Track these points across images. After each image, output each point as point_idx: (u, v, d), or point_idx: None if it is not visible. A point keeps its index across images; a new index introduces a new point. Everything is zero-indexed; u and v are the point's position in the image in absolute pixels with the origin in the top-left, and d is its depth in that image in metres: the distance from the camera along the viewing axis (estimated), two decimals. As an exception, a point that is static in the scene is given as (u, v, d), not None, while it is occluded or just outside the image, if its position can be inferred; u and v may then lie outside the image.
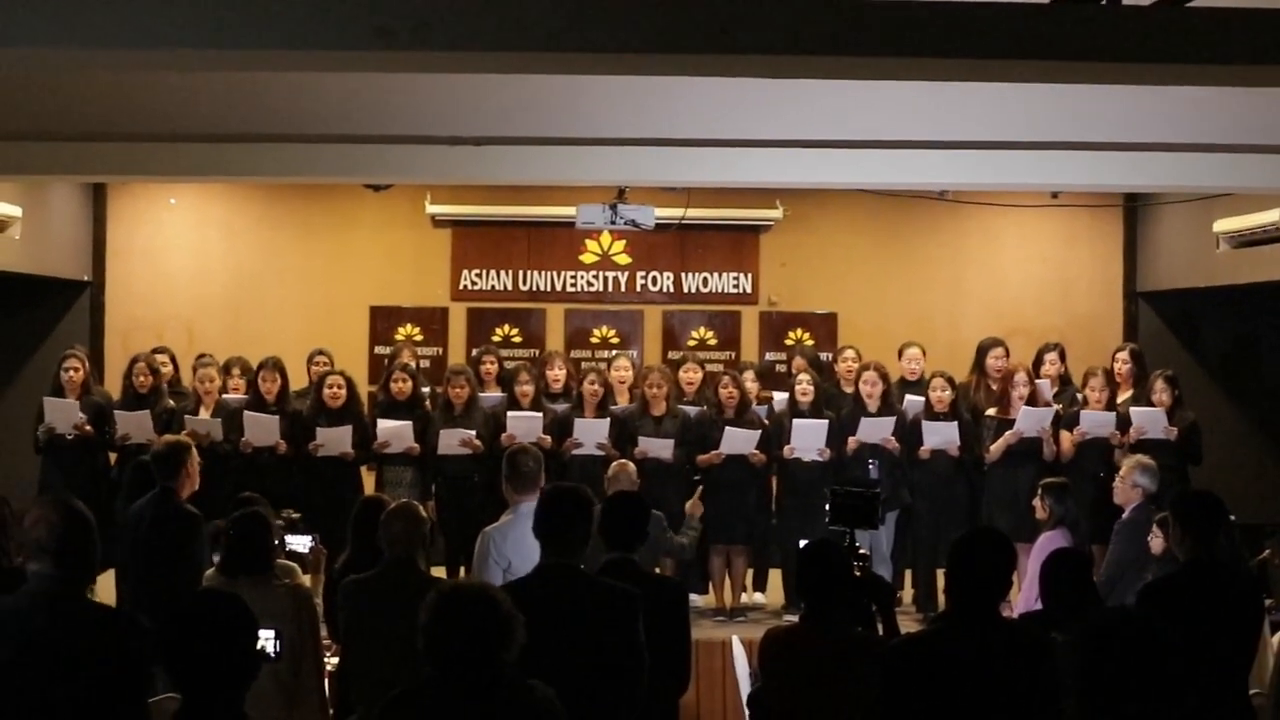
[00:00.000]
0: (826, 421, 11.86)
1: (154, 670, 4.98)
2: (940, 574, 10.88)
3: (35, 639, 4.85)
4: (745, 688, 8.60)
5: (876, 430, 11.82)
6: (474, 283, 15.98)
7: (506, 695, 4.58)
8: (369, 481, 12.45)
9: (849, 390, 12.45)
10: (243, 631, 4.34)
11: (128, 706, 4.88)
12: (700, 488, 11.26)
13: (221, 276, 15.89)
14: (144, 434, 11.67)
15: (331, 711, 7.48)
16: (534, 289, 16.02)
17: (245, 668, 4.32)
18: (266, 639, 5.03)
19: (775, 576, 12.38)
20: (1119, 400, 12.11)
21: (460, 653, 4.53)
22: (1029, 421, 11.67)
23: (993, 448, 11.77)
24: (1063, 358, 12.85)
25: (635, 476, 10.11)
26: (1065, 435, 11.81)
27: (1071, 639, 6.29)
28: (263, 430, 11.90)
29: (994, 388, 12.22)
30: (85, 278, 15.61)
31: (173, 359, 13.23)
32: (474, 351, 14.17)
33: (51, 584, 4.96)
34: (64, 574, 4.97)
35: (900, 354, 12.94)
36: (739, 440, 11.74)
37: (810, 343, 15.32)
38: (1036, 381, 12.12)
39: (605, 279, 16.02)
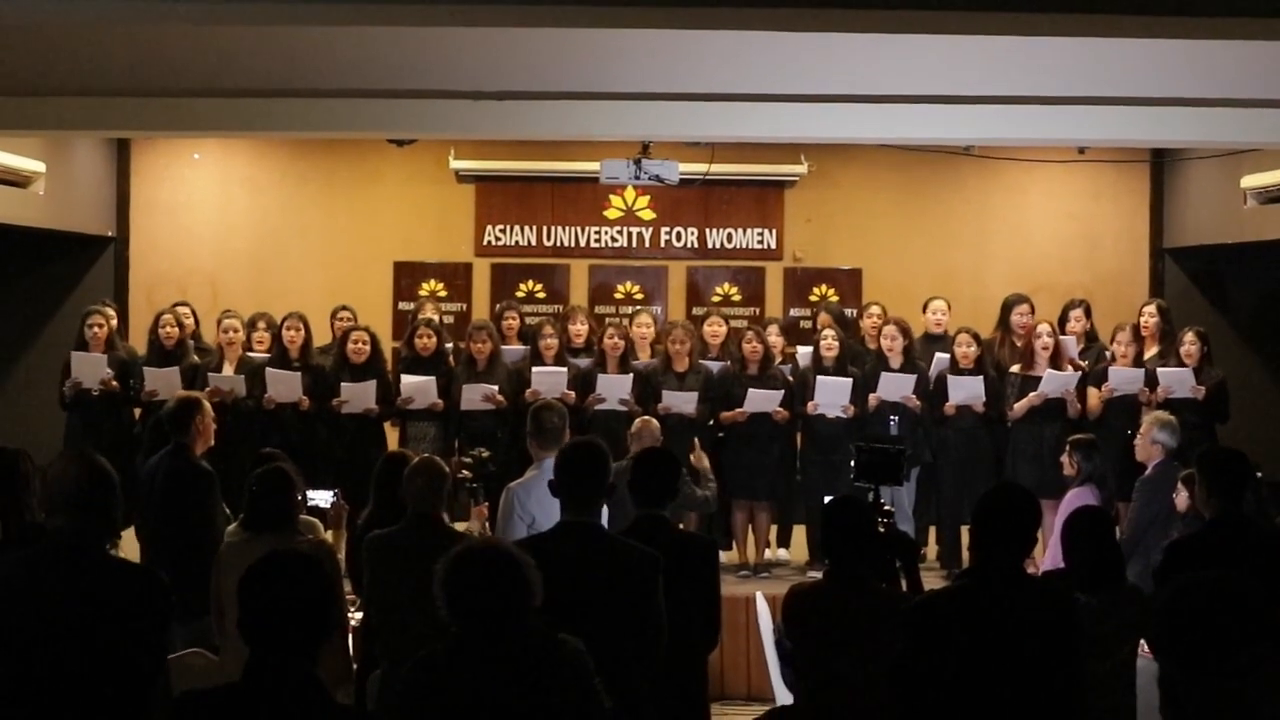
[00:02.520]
0: (850, 378, 11.83)
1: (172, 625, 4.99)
2: (964, 530, 10.88)
3: (53, 592, 4.84)
4: (769, 644, 8.61)
5: (897, 387, 11.80)
6: (498, 238, 15.97)
7: (535, 649, 4.58)
8: (392, 437, 12.46)
9: (874, 347, 12.43)
10: (325, 595, 4.31)
11: (147, 660, 4.88)
12: (696, 439, 11.15)
13: (245, 232, 15.90)
14: (172, 390, 11.57)
15: (355, 667, 7.49)
16: (558, 244, 16.01)
17: (322, 631, 4.27)
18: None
19: (799, 533, 12.40)
20: (1146, 356, 12.05)
21: (482, 611, 4.53)
22: (1053, 384, 11.61)
23: (1017, 406, 11.72)
24: (1088, 314, 12.78)
25: (659, 433, 10.11)
26: (1093, 392, 11.76)
27: (1100, 602, 6.31)
28: (285, 386, 11.91)
29: (1018, 344, 12.17)
30: (109, 233, 15.64)
31: (194, 313, 13.22)
32: (496, 307, 14.17)
33: (71, 538, 4.94)
34: (84, 528, 4.95)
35: (925, 307, 12.93)
36: (761, 400, 11.71)
37: (834, 299, 15.27)
38: (1062, 338, 12.07)
39: (629, 234, 16.00)
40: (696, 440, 11.06)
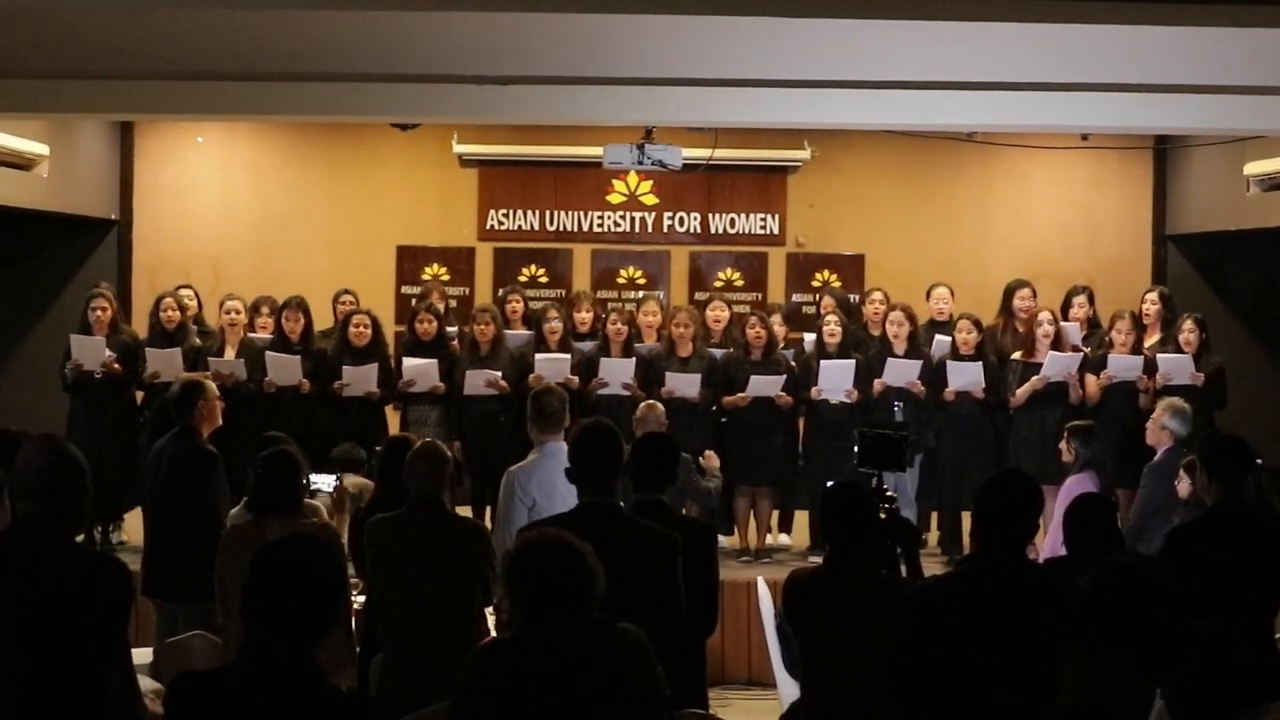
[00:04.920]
0: (853, 362, 11.84)
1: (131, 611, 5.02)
2: (966, 516, 10.89)
3: (17, 578, 4.85)
4: (769, 628, 8.63)
5: (902, 372, 11.81)
6: (501, 223, 15.97)
7: (598, 640, 4.63)
8: (394, 421, 12.48)
9: (877, 332, 12.44)
10: (338, 585, 4.30)
11: (108, 647, 4.91)
12: (709, 451, 11.12)
13: (248, 215, 15.90)
14: (174, 372, 11.56)
15: (357, 650, 7.51)
16: (561, 229, 16.00)
17: (328, 620, 4.24)
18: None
19: (801, 518, 12.41)
20: (1147, 343, 12.05)
21: (547, 602, 4.56)
22: (1056, 367, 11.62)
23: (1019, 392, 11.73)
24: (1091, 301, 12.79)
25: (664, 418, 10.13)
26: (1091, 379, 11.76)
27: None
28: (285, 370, 11.91)
29: (1020, 329, 12.18)
30: (112, 216, 15.63)
31: (196, 295, 13.21)
32: (499, 291, 14.20)
33: (38, 524, 4.94)
34: (51, 515, 4.95)
35: (928, 295, 12.93)
36: (763, 385, 11.73)
37: (837, 284, 15.25)
38: (1064, 324, 12.07)
39: (632, 219, 16.00)
40: (709, 451, 11.02)
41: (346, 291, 13.17)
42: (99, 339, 12.06)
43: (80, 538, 5.70)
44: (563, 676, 4.56)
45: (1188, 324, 11.84)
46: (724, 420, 12.01)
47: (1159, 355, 11.77)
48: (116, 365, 12.00)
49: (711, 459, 10.67)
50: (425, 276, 15.57)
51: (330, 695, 4.25)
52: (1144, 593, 4.28)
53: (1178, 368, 11.59)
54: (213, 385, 9.19)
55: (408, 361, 12.07)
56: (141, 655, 7.24)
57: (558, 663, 4.56)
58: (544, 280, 15.85)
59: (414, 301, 13.84)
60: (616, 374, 11.83)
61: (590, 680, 4.58)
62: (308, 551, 4.29)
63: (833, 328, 12.02)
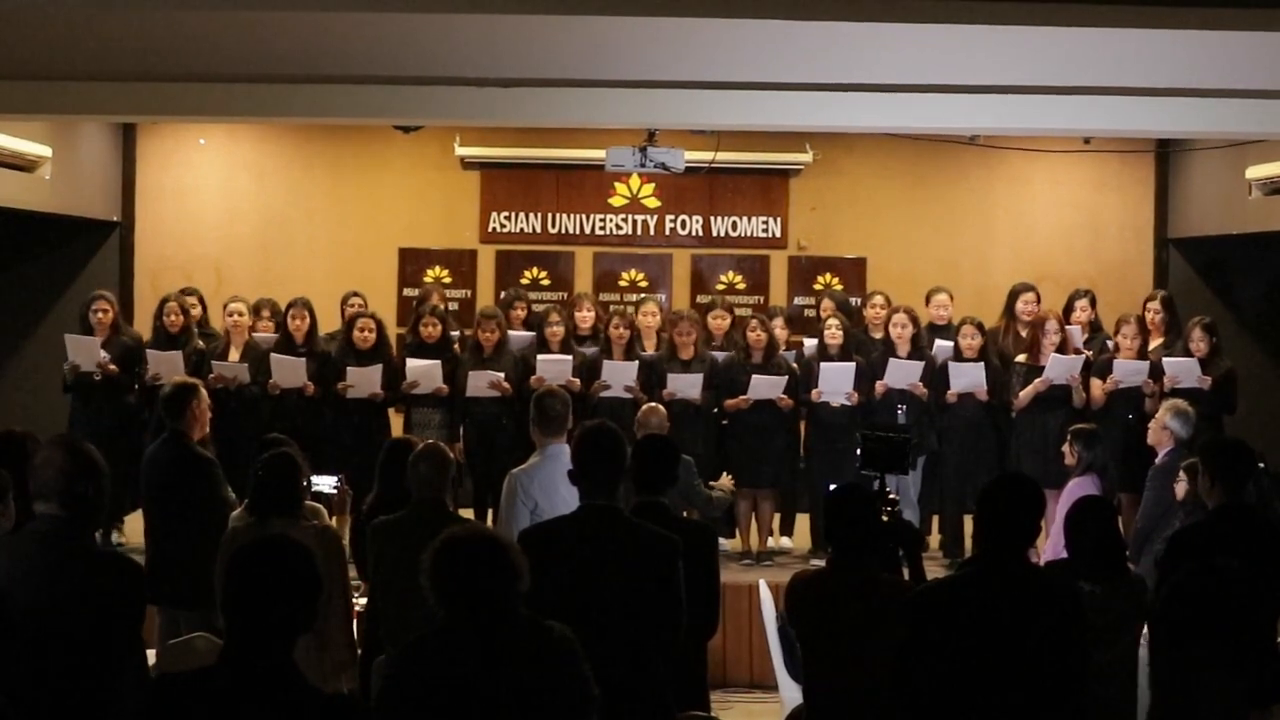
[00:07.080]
0: (854, 365, 11.84)
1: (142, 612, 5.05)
2: (968, 519, 10.89)
3: (36, 578, 4.88)
4: (772, 631, 8.64)
5: (904, 374, 11.81)
6: (503, 225, 15.97)
7: (522, 636, 4.62)
8: (397, 423, 12.47)
9: (878, 336, 12.44)
10: (310, 587, 4.32)
11: (122, 647, 4.93)
12: (730, 477, 11.12)
13: (251, 217, 15.90)
14: (175, 374, 11.57)
15: (359, 652, 7.51)
16: (563, 232, 16.00)
17: (302, 621, 4.29)
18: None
19: (803, 521, 12.41)
20: (1150, 347, 12.03)
21: (469, 598, 4.57)
22: (1059, 369, 11.60)
23: (1022, 394, 11.71)
24: (1093, 304, 12.78)
25: (666, 420, 10.13)
26: (1096, 383, 11.73)
27: (1103, 591, 6.32)
28: (289, 372, 11.90)
29: (1024, 333, 12.17)
30: (115, 218, 15.63)
31: (201, 300, 13.21)
32: (504, 294, 14.19)
33: (55, 525, 4.97)
34: (68, 516, 4.98)
35: (928, 300, 12.91)
36: (765, 387, 11.73)
37: (839, 287, 15.26)
38: (1067, 328, 12.05)
39: (634, 222, 16.00)
40: (726, 475, 11.03)
41: (355, 294, 13.15)
42: (94, 339, 12.03)
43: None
44: (487, 671, 4.55)
45: (1196, 332, 11.75)
46: (725, 423, 12.01)
47: (1165, 358, 11.73)
48: (112, 366, 11.97)
49: (725, 480, 10.72)
50: (427, 279, 15.57)
51: (310, 695, 4.29)
52: (1242, 598, 4.28)
53: (1184, 370, 11.56)
54: (203, 389, 9.17)
55: (412, 362, 12.05)
56: (143, 657, 7.24)
57: (482, 658, 4.56)
58: (546, 283, 15.85)
59: (414, 304, 13.83)
60: (618, 376, 11.83)
61: (515, 676, 4.58)
62: (282, 553, 4.34)
63: (834, 331, 12.01)
